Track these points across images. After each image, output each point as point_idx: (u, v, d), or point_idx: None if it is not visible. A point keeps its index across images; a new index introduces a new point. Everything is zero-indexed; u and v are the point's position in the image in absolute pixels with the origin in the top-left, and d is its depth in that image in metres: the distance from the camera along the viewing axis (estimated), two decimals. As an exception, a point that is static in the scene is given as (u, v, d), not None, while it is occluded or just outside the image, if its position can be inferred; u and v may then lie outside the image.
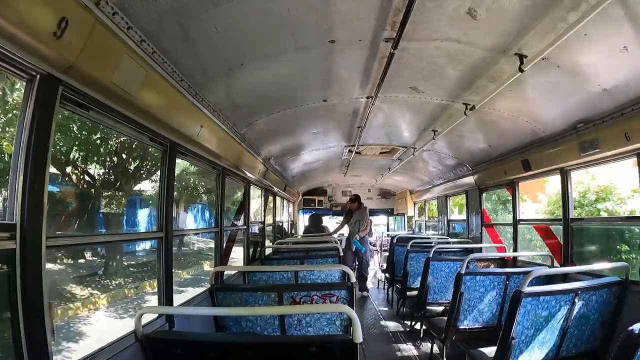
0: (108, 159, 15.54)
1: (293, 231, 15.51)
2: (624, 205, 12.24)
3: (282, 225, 13.49)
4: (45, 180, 2.33)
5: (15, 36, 2.00)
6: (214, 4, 3.09)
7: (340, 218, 13.98)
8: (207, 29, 3.33)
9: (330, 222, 16.99)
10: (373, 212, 16.95)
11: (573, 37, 3.36)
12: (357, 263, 11.67)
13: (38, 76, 2.29)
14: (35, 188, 2.26)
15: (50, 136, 2.36)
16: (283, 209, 13.63)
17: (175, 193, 4.37)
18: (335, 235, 12.27)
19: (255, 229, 9.06)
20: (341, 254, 6.84)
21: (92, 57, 2.50)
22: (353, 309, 2.87)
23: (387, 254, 11.59)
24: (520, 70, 4.02)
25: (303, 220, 16.74)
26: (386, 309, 10.06)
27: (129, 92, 2.97)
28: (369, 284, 12.31)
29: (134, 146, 15.54)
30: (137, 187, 17.81)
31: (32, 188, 2.24)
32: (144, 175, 16.85)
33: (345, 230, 12.98)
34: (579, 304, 3.92)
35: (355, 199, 11.94)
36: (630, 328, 2.29)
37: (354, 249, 11.43)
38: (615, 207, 12.25)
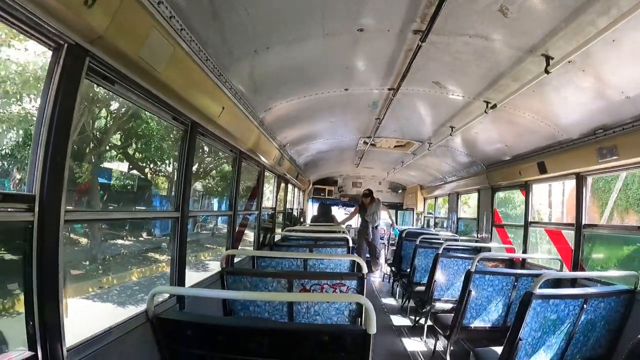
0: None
1: (302, 219, 15.52)
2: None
3: (292, 212, 13.51)
4: (67, 153, 2.32)
5: (45, 2, 1.98)
6: (247, -16, 3.08)
7: (350, 209, 15.07)
8: (237, 9, 3.31)
9: (339, 213, 17.01)
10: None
11: (601, 42, 3.33)
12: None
13: (65, 45, 2.27)
14: (57, 160, 2.25)
15: (74, 108, 2.34)
16: (294, 197, 13.64)
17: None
18: (343, 225, 12.44)
19: (266, 214, 9.09)
20: (351, 244, 6.83)
21: (120, 30, 2.48)
22: None
23: (393, 247, 11.63)
24: (547, 71, 3.98)
25: (312, 209, 16.75)
26: (390, 302, 10.07)
27: (155, 67, 2.96)
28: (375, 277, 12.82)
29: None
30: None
31: (53, 160, 2.23)
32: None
33: (353, 222, 13.24)
34: (587, 309, 3.91)
35: (369, 193, 12.58)
36: (638, 337, 2.28)
37: (376, 237, 12.43)
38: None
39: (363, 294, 4.12)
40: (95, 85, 2.76)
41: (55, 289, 2.30)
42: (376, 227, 12.49)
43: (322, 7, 3.52)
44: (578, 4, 3.17)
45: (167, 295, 3.87)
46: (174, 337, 2.78)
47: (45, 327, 2.25)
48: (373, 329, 2.35)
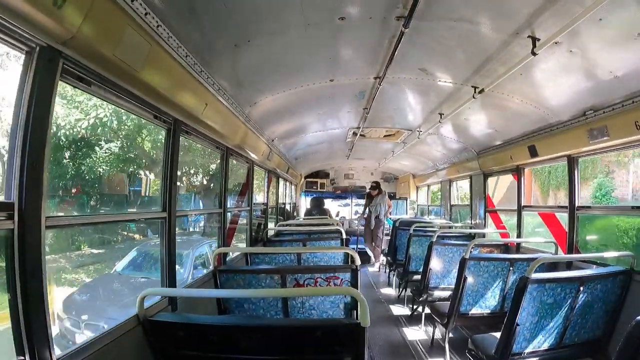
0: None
1: (295, 214, 15.52)
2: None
3: (285, 207, 13.51)
4: (45, 158, 2.27)
5: (13, 5, 1.91)
6: (222, -24, 3.01)
7: (342, 201, 17.78)
8: (214, 2, 3.24)
9: (332, 205, 17.02)
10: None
11: (587, 21, 3.27)
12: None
13: (37, 48, 2.22)
14: (35, 166, 2.20)
15: (50, 111, 2.29)
16: (285, 191, 13.62)
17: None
18: (337, 218, 12.59)
19: (258, 210, 9.04)
20: (344, 236, 6.81)
21: (94, 29, 2.42)
22: None
23: (388, 237, 11.67)
24: (533, 53, 3.92)
25: (305, 203, 16.75)
26: (387, 291, 10.08)
27: (132, 66, 2.89)
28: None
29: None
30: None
31: (31, 165, 2.18)
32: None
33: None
34: (583, 292, 3.92)
35: (377, 186, 13.43)
36: (638, 318, 2.26)
37: (379, 226, 13.10)
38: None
39: (357, 286, 4.11)
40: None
41: (40, 296, 2.26)
42: (377, 217, 13.01)
43: (301, -4, 3.45)
44: (563, -17, 3.13)
45: (158, 297, 3.81)
46: (167, 339, 2.74)
47: (32, 335, 2.21)
48: (367, 322, 2.34)
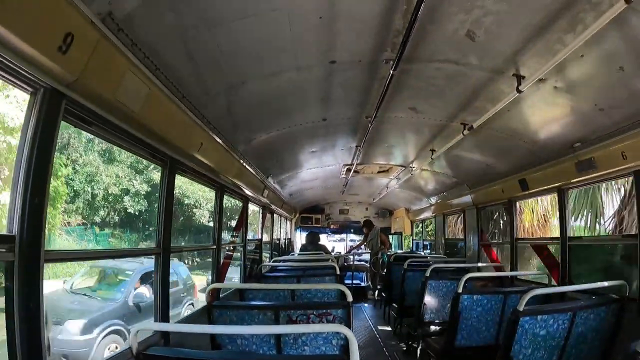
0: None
1: (290, 249, 15.46)
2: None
3: (280, 242, 13.49)
4: (46, 194, 2.34)
5: (21, 49, 2.01)
6: (218, 23, 3.15)
7: (337, 236, 18.20)
8: (210, 47, 3.38)
9: (327, 241, 17.00)
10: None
11: (570, 58, 3.40)
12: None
13: (42, 90, 2.31)
14: (35, 202, 2.26)
15: (52, 150, 2.37)
16: (280, 227, 13.62)
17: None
18: (332, 253, 12.59)
19: (253, 246, 9.05)
20: (338, 272, 6.80)
21: (96, 73, 2.51)
22: (350, 328, 2.85)
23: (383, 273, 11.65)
24: (518, 90, 4.06)
25: (300, 238, 16.69)
26: (383, 327, 9.99)
27: (132, 108, 2.98)
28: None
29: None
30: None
31: (32, 201, 2.24)
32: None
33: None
34: (577, 322, 3.91)
35: (368, 224, 13.53)
36: (630, 345, 2.29)
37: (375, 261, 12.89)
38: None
39: (350, 323, 4.10)
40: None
41: (38, 329, 2.30)
42: (376, 253, 12.90)
43: (293, 42, 3.61)
44: (543, 24, 3.27)
45: (151, 331, 3.83)
46: None
47: None
48: (356, 359, 2.32)
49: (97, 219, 19.31)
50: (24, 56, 2.06)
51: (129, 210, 19.80)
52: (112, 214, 20.14)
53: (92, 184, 18.30)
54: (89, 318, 8.96)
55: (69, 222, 17.29)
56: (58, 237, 16.25)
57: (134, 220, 20.43)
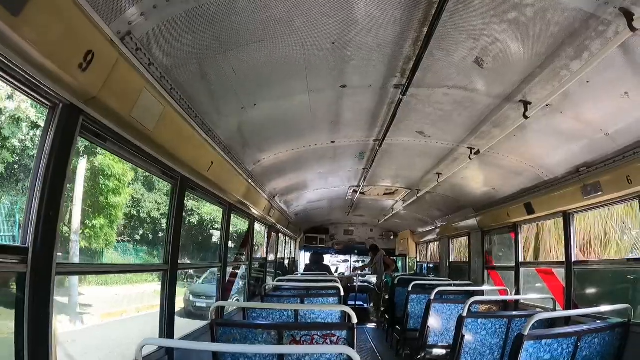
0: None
1: (294, 269, 15.40)
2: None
3: (284, 262, 13.47)
4: (60, 208, 2.38)
5: (43, 65, 2.07)
6: (234, 46, 3.23)
7: (342, 257, 18.63)
8: (224, 69, 3.46)
9: (332, 262, 16.97)
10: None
11: (576, 84, 3.49)
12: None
13: (60, 105, 2.37)
14: (50, 215, 2.30)
15: (68, 164, 2.42)
16: (285, 246, 13.60)
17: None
18: (336, 274, 12.61)
19: (257, 265, 9.06)
20: (342, 293, 6.79)
21: (113, 90, 2.58)
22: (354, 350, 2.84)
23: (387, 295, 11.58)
24: (525, 116, 4.13)
25: (304, 258, 16.64)
26: (386, 350, 9.91)
27: (146, 126, 3.05)
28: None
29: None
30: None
31: (47, 214, 2.29)
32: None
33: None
34: (581, 347, 3.88)
35: (373, 249, 14.44)
36: None
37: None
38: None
39: (353, 344, 4.09)
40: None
41: (46, 338, 2.32)
42: (381, 275, 13.28)
43: (305, 66, 3.68)
44: (550, 51, 3.34)
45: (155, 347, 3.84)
46: None
47: None
48: None
49: (137, 237, 22.28)
50: (45, 72, 2.13)
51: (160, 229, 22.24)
52: (148, 233, 22.97)
53: (138, 208, 21.65)
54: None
55: (118, 240, 19.29)
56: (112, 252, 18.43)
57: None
